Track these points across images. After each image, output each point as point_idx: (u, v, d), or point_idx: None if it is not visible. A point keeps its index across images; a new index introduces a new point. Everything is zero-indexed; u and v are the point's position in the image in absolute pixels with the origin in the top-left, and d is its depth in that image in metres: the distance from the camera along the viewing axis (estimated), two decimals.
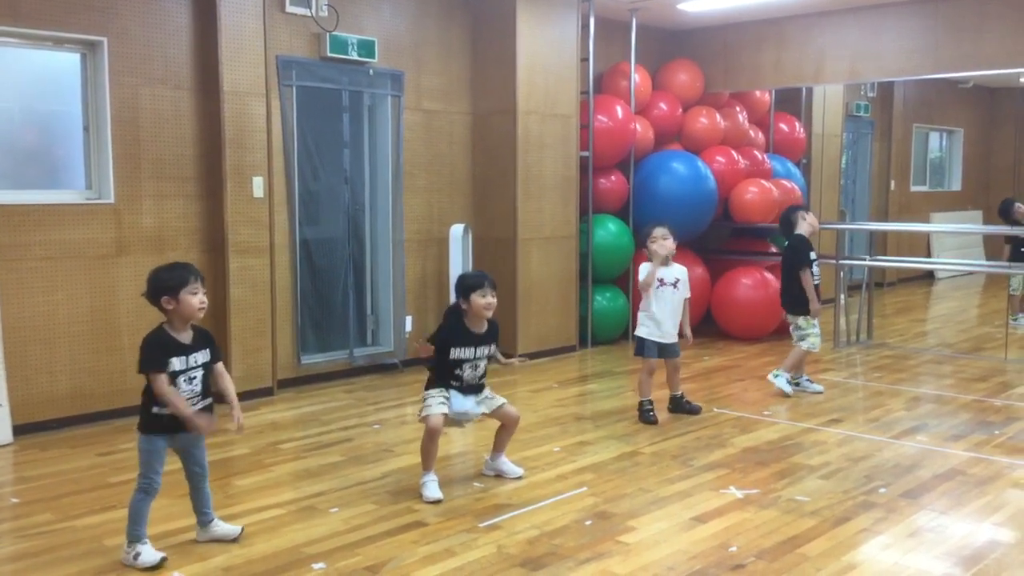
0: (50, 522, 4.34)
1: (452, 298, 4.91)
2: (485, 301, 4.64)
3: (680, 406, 6.24)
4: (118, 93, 6.10)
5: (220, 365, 3.96)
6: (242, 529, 4.06)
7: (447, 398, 4.65)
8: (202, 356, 3.83)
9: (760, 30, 9.38)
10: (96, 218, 6.06)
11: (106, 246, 6.11)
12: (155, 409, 3.74)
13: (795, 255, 6.87)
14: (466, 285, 4.68)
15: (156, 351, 3.70)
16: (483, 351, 4.71)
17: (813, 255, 6.82)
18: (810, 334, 6.80)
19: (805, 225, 6.89)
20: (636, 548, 4.00)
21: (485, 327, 4.72)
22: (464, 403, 4.69)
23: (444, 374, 4.66)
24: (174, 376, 3.72)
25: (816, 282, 6.79)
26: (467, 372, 4.66)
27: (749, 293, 8.95)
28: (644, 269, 6.03)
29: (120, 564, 3.83)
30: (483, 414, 4.81)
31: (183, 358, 3.75)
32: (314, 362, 7.27)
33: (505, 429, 4.91)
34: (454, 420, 4.74)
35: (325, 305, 7.41)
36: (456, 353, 4.62)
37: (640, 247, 6.20)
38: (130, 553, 3.79)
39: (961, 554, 3.94)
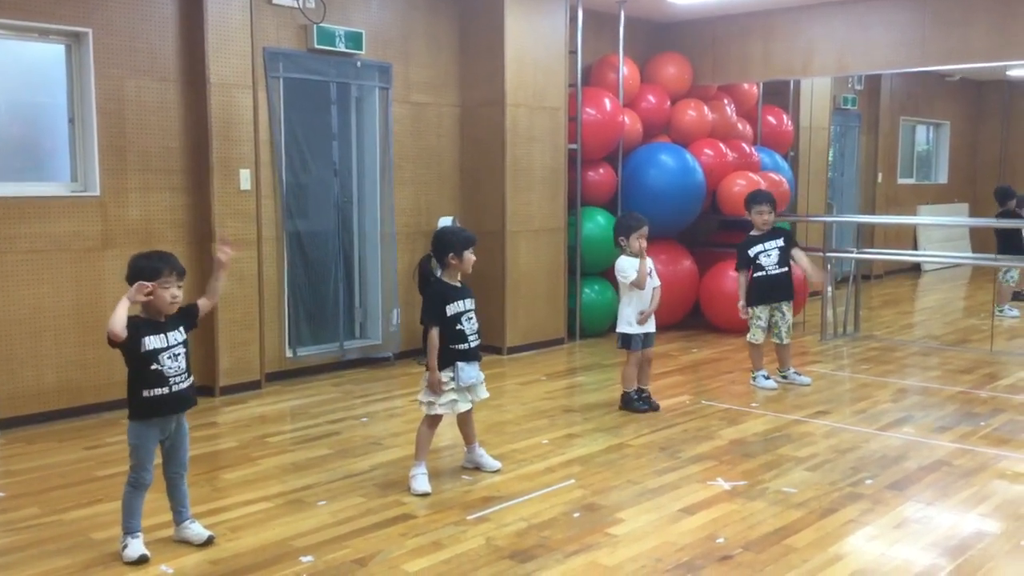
0: (37, 516, 4.32)
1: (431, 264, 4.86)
2: (474, 258, 4.75)
3: (646, 402, 6.22)
4: (103, 85, 6.06)
5: (201, 304, 3.96)
6: (211, 536, 3.97)
7: (456, 380, 4.65)
8: (179, 335, 3.82)
9: (748, 23, 9.39)
10: (82, 211, 6.03)
11: (92, 239, 6.07)
12: (146, 392, 3.73)
13: (737, 259, 7.01)
14: (461, 239, 4.70)
15: (129, 330, 3.66)
16: (470, 303, 4.75)
17: (758, 248, 6.83)
18: (752, 325, 6.90)
19: (754, 226, 6.94)
20: (624, 540, 4.01)
21: (459, 284, 4.77)
22: (471, 372, 4.72)
23: (451, 339, 4.64)
24: (157, 354, 3.71)
25: (772, 272, 6.80)
26: (467, 326, 4.68)
27: (737, 286, 8.94)
28: (628, 263, 6.01)
29: (107, 558, 3.82)
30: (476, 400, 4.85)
31: (160, 336, 3.74)
32: (302, 355, 7.25)
33: (467, 423, 4.91)
34: (462, 400, 4.72)
35: (313, 298, 7.38)
36: (452, 309, 4.65)
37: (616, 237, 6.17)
38: (121, 544, 3.81)
39: (947, 545, 3.97)
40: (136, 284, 3.64)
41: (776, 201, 7.19)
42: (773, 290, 6.86)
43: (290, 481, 4.81)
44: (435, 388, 4.64)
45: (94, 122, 6.04)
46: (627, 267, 6.01)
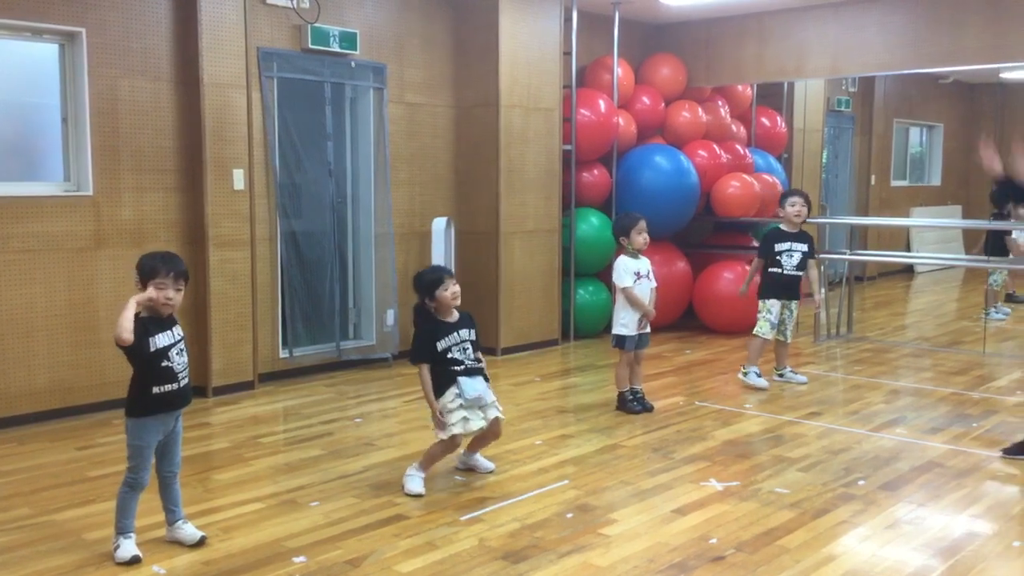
0: (29, 516, 4.31)
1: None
2: (450, 292, 4.62)
3: (641, 402, 6.23)
4: (97, 84, 6.05)
5: None
6: (203, 537, 3.97)
7: (461, 395, 4.57)
8: (180, 330, 3.85)
9: (742, 25, 9.41)
10: (75, 210, 6.02)
11: (85, 239, 6.06)
12: (156, 389, 3.73)
13: (759, 245, 6.99)
14: (425, 283, 4.64)
15: (137, 330, 3.67)
16: (465, 334, 4.68)
17: (784, 246, 6.85)
18: (760, 318, 6.88)
19: (783, 219, 6.95)
20: (617, 540, 4.02)
21: (456, 316, 4.70)
22: (475, 386, 4.61)
23: (444, 368, 4.61)
24: (166, 351, 3.74)
25: (788, 272, 6.82)
26: (459, 355, 4.63)
27: (731, 287, 8.95)
28: (625, 265, 6.03)
29: (99, 558, 3.81)
30: (493, 418, 4.71)
31: (167, 332, 3.77)
32: (296, 356, 7.24)
33: (484, 438, 4.83)
34: (474, 418, 4.62)
35: (308, 299, 7.37)
36: (441, 344, 4.61)
37: (617, 237, 6.20)
38: (113, 544, 3.81)
39: (939, 546, 3.98)
40: (146, 294, 3.67)
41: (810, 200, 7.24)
42: (786, 289, 6.89)
43: (283, 482, 4.80)
44: (438, 424, 4.55)
45: (87, 122, 6.02)
46: (622, 271, 6.02)
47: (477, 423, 4.62)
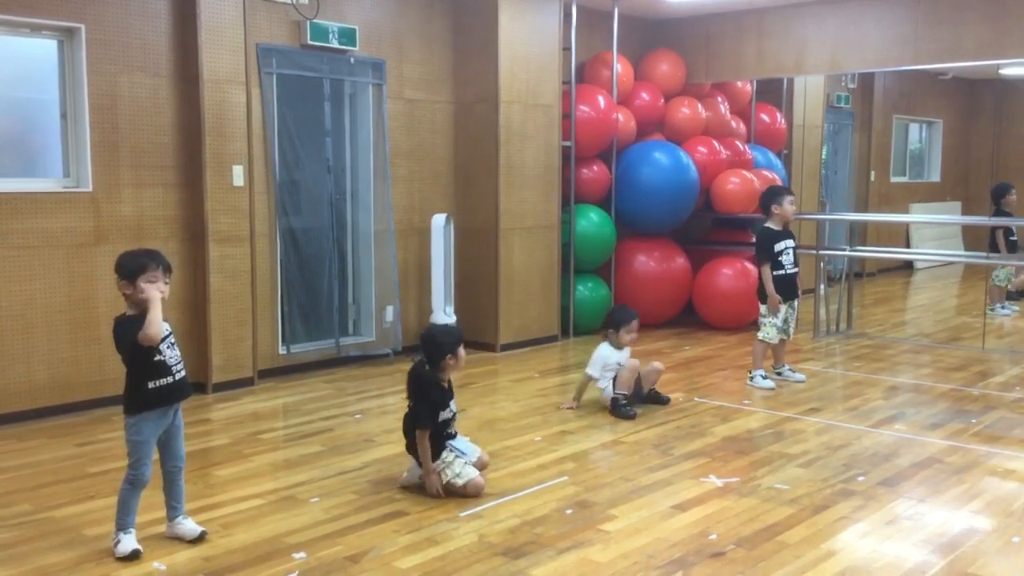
0: (28, 513, 4.32)
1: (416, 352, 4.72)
2: (465, 354, 4.66)
3: (655, 396, 6.26)
4: (96, 80, 6.04)
5: None
6: (204, 532, 3.97)
7: (456, 453, 4.55)
8: (168, 325, 3.85)
9: (742, 21, 9.40)
10: (74, 206, 6.01)
11: (84, 235, 6.05)
12: (151, 384, 3.73)
13: (756, 249, 6.95)
14: (455, 339, 4.59)
15: (129, 331, 3.68)
16: (454, 406, 4.65)
17: (782, 245, 6.77)
18: (765, 323, 6.81)
19: (776, 217, 6.82)
20: (617, 536, 4.02)
21: (446, 384, 4.66)
22: (466, 446, 4.63)
23: (437, 437, 4.54)
24: (158, 345, 3.73)
25: (790, 271, 6.79)
26: (450, 428, 4.61)
27: (730, 283, 8.97)
28: (604, 356, 6.08)
29: (99, 554, 3.82)
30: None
31: None
32: (295, 352, 7.24)
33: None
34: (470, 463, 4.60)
35: (307, 295, 7.37)
36: (444, 415, 4.55)
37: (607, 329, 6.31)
38: (113, 540, 3.81)
39: (938, 541, 3.98)
40: (146, 285, 3.66)
41: None
42: (790, 288, 6.83)
43: (283, 478, 4.80)
44: (433, 482, 4.47)
45: (86, 117, 6.02)
46: (597, 359, 6.08)
47: (472, 470, 4.55)
